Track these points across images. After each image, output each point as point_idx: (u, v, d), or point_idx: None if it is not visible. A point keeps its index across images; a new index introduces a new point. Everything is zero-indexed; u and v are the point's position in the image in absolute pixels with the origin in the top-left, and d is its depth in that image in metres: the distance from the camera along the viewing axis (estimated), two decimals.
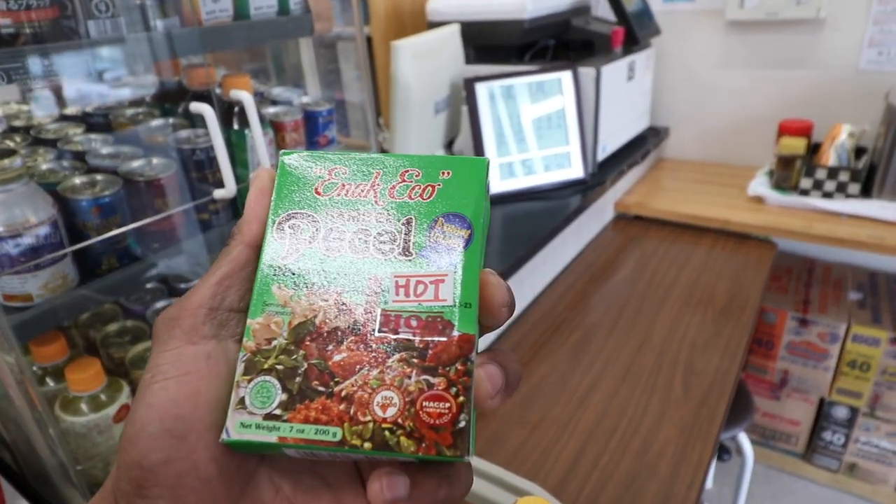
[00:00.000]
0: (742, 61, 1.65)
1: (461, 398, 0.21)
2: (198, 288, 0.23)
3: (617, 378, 0.99)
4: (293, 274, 0.23)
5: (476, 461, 0.75)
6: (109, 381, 0.70)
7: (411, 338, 0.22)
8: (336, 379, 0.22)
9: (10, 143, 0.81)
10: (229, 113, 0.84)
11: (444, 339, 0.22)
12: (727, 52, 1.66)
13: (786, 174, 1.45)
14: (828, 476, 1.70)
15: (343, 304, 0.23)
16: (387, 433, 0.21)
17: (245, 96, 0.81)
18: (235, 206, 0.85)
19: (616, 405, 0.93)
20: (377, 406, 0.21)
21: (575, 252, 1.42)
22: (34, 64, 0.59)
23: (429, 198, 0.24)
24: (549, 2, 1.36)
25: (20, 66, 0.58)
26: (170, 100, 0.91)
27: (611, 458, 0.83)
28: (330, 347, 0.22)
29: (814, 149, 1.49)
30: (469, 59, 1.38)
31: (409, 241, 0.23)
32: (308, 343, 0.22)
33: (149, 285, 0.96)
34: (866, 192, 1.38)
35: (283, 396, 0.22)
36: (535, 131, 1.27)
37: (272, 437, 0.21)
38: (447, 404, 0.21)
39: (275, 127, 0.91)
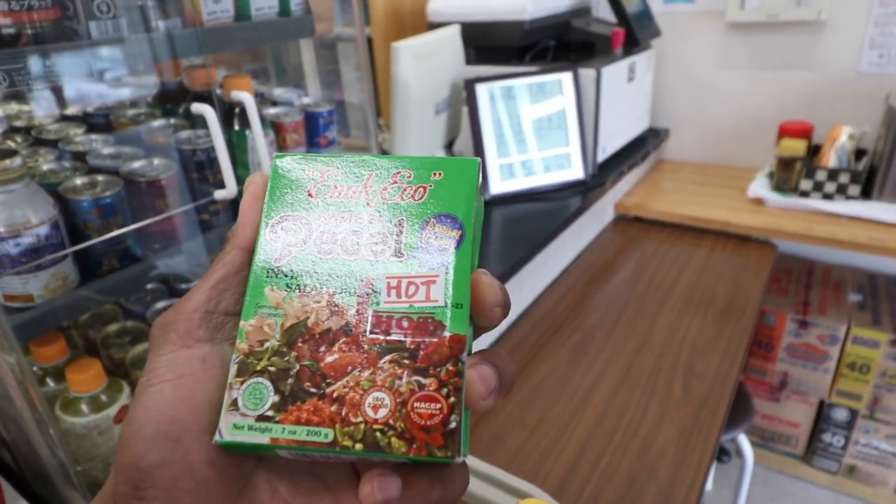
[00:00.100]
0: (742, 63, 1.65)
1: (452, 399, 0.21)
2: (193, 292, 0.23)
3: (617, 379, 0.99)
4: (286, 276, 0.23)
5: (476, 462, 0.75)
6: (110, 381, 0.70)
7: (403, 339, 0.22)
8: (328, 380, 0.22)
9: (11, 144, 0.81)
10: (230, 114, 0.84)
11: (435, 339, 0.22)
12: (727, 53, 1.66)
13: (786, 176, 1.45)
14: (827, 478, 1.70)
15: (335, 305, 0.23)
16: (378, 434, 0.21)
17: (246, 97, 0.81)
18: (236, 207, 0.85)
19: (616, 406, 0.93)
20: (368, 407, 0.21)
21: (575, 253, 1.42)
22: (35, 64, 0.59)
23: (420, 199, 0.24)
24: (549, 3, 1.36)
25: (21, 66, 0.58)
26: (171, 100, 0.91)
27: (611, 460, 0.83)
28: (322, 349, 0.22)
29: (814, 150, 1.49)
30: (469, 60, 1.38)
31: (401, 242, 0.23)
32: (300, 345, 0.22)
33: (149, 286, 0.96)
34: (866, 194, 1.38)
35: (276, 398, 0.22)
36: (535, 132, 1.27)
37: (264, 439, 0.21)
38: (438, 405, 0.21)
39: (275, 128, 0.92)
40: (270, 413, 0.21)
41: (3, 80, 0.56)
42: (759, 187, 1.48)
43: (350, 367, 0.22)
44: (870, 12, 1.45)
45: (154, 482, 0.20)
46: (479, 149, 1.22)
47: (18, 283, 0.62)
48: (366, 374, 0.22)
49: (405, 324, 0.22)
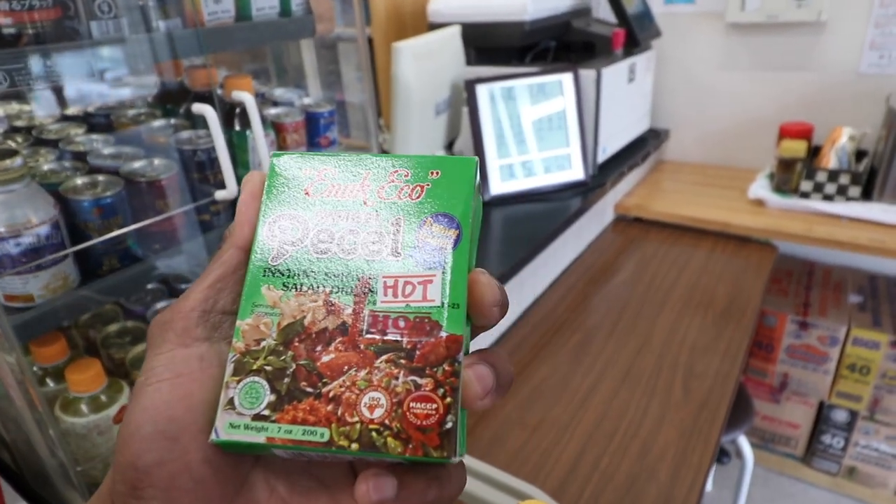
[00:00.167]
0: (743, 64, 1.65)
1: (448, 399, 0.21)
2: (190, 291, 0.23)
3: (617, 380, 0.99)
4: (282, 275, 0.23)
5: (476, 463, 0.75)
6: (110, 381, 0.70)
7: (399, 339, 0.22)
8: (324, 380, 0.22)
9: (11, 144, 0.81)
10: (231, 114, 0.84)
11: (431, 339, 0.22)
12: (728, 54, 1.66)
13: (786, 177, 1.45)
14: (827, 479, 1.70)
15: (332, 304, 0.23)
16: (374, 434, 0.21)
17: (247, 97, 0.81)
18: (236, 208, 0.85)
19: (616, 407, 0.93)
20: (364, 407, 0.21)
21: (575, 254, 1.42)
22: (36, 64, 0.59)
23: (417, 198, 0.24)
24: (549, 3, 1.36)
25: (22, 66, 0.58)
26: (171, 100, 0.91)
27: (611, 461, 0.83)
28: (318, 348, 0.22)
29: (814, 152, 1.49)
30: (470, 61, 1.38)
31: (398, 241, 0.23)
32: (297, 344, 0.22)
33: (150, 286, 0.96)
34: (867, 196, 1.38)
35: (272, 397, 0.22)
36: (535, 133, 1.27)
37: (260, 438, 0.21)
38: (434, 405, 0.21)
39: (276, 128, 0.92)
40: (267, 412, 0.22)
41: (4, 80, 0.56)
42: (760, 188, 1.48)
43: (346, 367, 0.22)
44: (870, 13, 1.45)
45: (151, 481, 0.20)
46: (479, 149, 1.22)
47: (19, 282, 0.62)
48: (362, 373, 0.22)
49: (402, 323, 0.22)
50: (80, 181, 0.71)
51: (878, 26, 1.45)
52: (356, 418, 0.21)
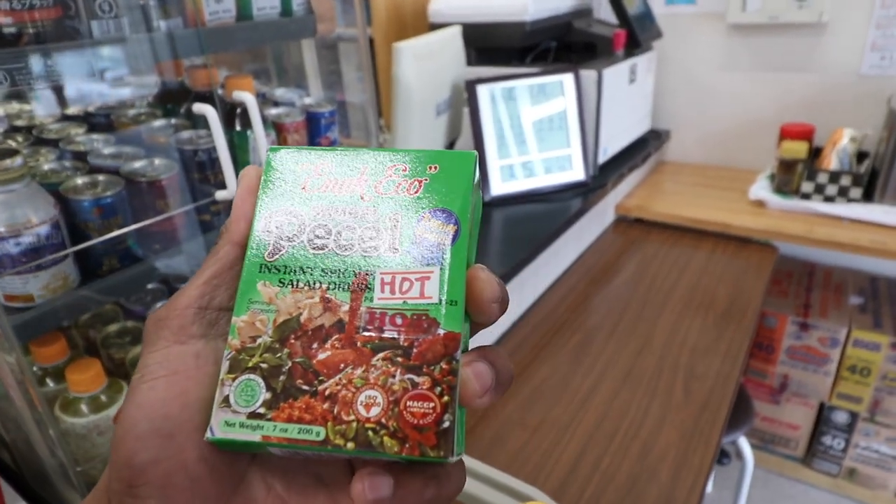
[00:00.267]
0: (744, 65, 1.65)
1: (445, 398, 0.21)
2: (186, 288, 0.23)
3: (617, 381, 0.99)
4: (278, 271, 0.23)
5: (476, 464, 0.75)
6: (110, 381, 0.70)
7: (396, 336, 0.22)
8: (320, 377, 0.21)
9: (11, 143, 0.81)
10: (231, 114, 0.84)
11: (429, 337, 0.21)
12: (729, 55, 1.66)
13: (787, 178, 1.45)
14: (827, 481, 1.69)
15: (328, 301, 0.22)
16: (370, 433, 0.21)
17: (248, 97, 0.80)
18: None
19: (617, 408, 0.93)
20: (361, 405, 0.21)
21: (575, 254, 1.42)
22: (37, 64, 0.59)
23: (415, 193, 0.24)
24: (550, 4, 1.36)
25: (23, 66, 0.58)
26: (172, 100, 0.91)
27: (611, 462, 0.83)
28: (314, 345, 0.22)
29: (815, 153, 1.49)
30: (470, 61, 1.38)
31: (396, 237, 0.23)
32: (293, 341, 0.22)
33: (150, 286, 0.96)
34: (868, 197, 1.38)
35: (268, 395, 0.21)
36: (536, 133, 1.27)
37: (256, 436, 0.21)
38: (431, 404, 0.21)
39: (277, 128, 0.91)
40: (262, 410, 0.21)
41: (5, 80, 0.56)
42: (761, 189, 1.48)
43: (343, 365, 0.22)
44: (871, 14, 1.45)
45: (147, 480, 0.20)
46: (479, 150, 1.22)
47: (19, 282, 0.62)
48: (358, 371, 0.21)
49: (399, 321, 0.22)
50: (80, 181, 0.71)
51: (880, 27, 1.45)
52: (352, 417, 0.21)
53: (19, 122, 0.87)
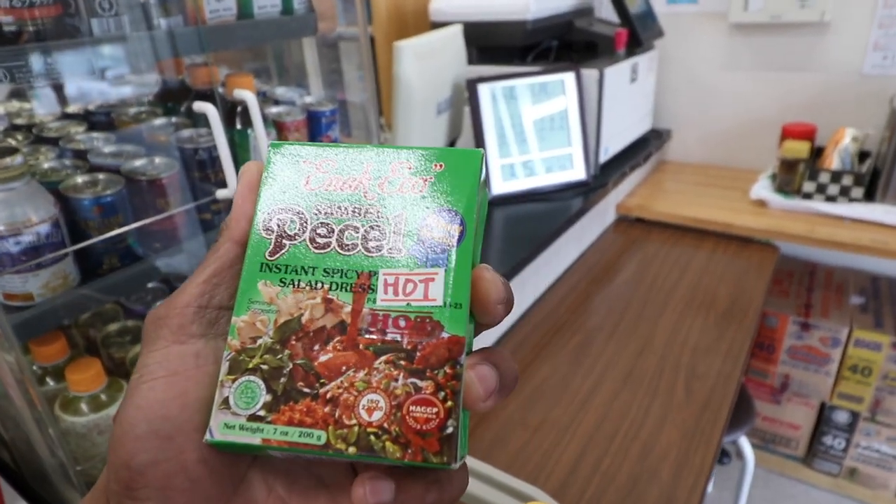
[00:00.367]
0: (745, 64, 1.64)
1: (449, 403, 0.20)
2: (186, 286, 0.23)
3: (618, 381, 0.99)
4: (279, 270, 0.22)
5: (477, 464, 0.74)
6: (110, 381, 0.70)
7: (399, 339, 0.21)
8: (321, 380, 0.21)
9: (11, 142, 0.81)
10: (232, 112, 0.84)
11: (432, 340, 0.21)
12: (730, 54, 1.65)
13: (789, 178, 1.45)
14: (828, 480, 1.69)
15: (330, 302, 0.22)
16: (372, 438, 0.20)
17: (248, 96, 0.80)
18: None
19: (617, 408, 0.93)
20: (363, 409, 0.21)
21: (576, 254, 1.41)
22: (37, 62, 0.59)
23: (420, 191, 0.23)
24: (552, 3, 1.36)
25: (23, 64, 0.57)
26: (172, 99, 0.90)
27: (612, 462, 0.83)
28: (316, 347, 0.21)
29: (817, 152, 1.49)
30: (471, 60, 1.37)
31: (399, 237, 0.22)
32: (294, 342, 0.22)
33: (150, 285, 0.95)
34: (870, 197, 1.38)
35: (268, 397, 0.21)
36: (537, 133, 1.27)
37: (256, 439, 0.21)
38: (435, 409, 0.20)
39: (278, 127, 0.91)
40: (262, 413, 0.21)
41: (5, 78, 0.56)
42: (762, 189, 1.48)
43: (344, 367, 0.21)
44: (874, 14, 1.44)
45: (146, 481, 0.20)
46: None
47: (18, 281, 0.62)
48: (360, 374, 0.21)
49: (402, 323, 0.21)
50: (80, 179, 0.70)
51: (882, 27, 1.44)
52: (354, 421, 0.20)
53: (19, 121, 0.87)
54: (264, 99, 1.01)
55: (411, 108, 1.14)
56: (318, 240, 0.23)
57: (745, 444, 1.36)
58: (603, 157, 1.37)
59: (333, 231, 0.23)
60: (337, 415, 0.21)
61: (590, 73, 1.27)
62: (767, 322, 1.61)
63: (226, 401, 0.21)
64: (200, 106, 0.75)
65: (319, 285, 0.22)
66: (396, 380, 0.21)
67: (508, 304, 0.22)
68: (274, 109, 0.95)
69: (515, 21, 1.30)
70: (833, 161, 1.39)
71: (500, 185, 1.24)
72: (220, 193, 0.79)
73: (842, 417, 1.61)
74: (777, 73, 1.61)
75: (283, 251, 0.23)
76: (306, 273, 0.22)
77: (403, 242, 0.22)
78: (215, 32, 0.77)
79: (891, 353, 1.48)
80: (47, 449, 0.64)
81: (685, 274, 1.32)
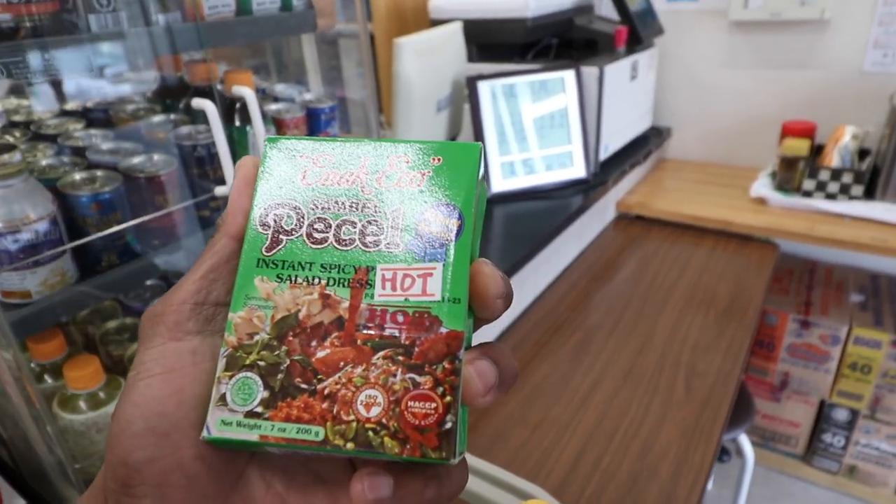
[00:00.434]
0: (745, 62, 1.64)
1: (448, 398, 0.20)
2: (182, 283, 0.22)
3: (618, 379, 0.99)
4: (276, 266, 0.22)
5: (477, 462, 0.74)
6: (108, 378, 0.70)
7: (397, 334, 0.21)
8: (319, 376, 0.21)
9: (9, 139, 0.81)
10: (231, 109, 0.84)
11: (431, 335, 0.21)
12: (731, 52, 1.65)
13: (788, 175, 1.44)
14: (828, 478, 1.69)
15: (328, 297, 0.22)
16: (370, 433, 0.20)
17: (247, 92, 0.80)
18: None
19: (617, 406, 0.93)
20: (361, 405, 0.20)
21: (576, 252, 1.41)
22: (34, 58, 0.58)
23: (418, 186, 0.23)
24: (552, 0, 1.35)
25: (20, 60, 0.57)
26: (171, 95, 0.90)
27: (612, 460, 0.83)
28: (313, 343, 0.21)
29: (817, 150, 1.48)
30: (471, 58, 1.37)
31: (397, 231, 0.22)
32: (291, 338, 0.21)
33: (149, 282, 0.95)
34: (870, 195, 1.38)
35: (265, 394, 0.21)
36: (536, 130, 1.27)
37: (253, 436, 0.21)
38: (433, 404, 0.20)
39: (277, 124, 0.91)
40: (260, 409, 0.21)
41: (2, 74, 0.56)
42: (762, 187, 1.48)
43: (342, 363, 0.21)
44: (874, 11, 1.44)
45: (143, 479, 0.20)
46: None
47: (16, 278, 0.62)
48: (358, 370, 0.21)
49: (400, 318, 0.21)
50: (78, 176, 0.70)
51: (882, 24, 1.44)
52: (352, 417, 0.20)
53: (17, 118, 0.87)
54: (263, 96, 1.01)
55: (411, 106, 1.13)
56: (315, 235, 0.23)
57: (744, 441, 1.36)
58: (603, 155, 1.37)
59: (331, 226, 0.23)
60: (335, 411, 0.21)
61: (590, 71, 1.27)
62: (767, 320, 1.61)
63: (223, 397, 0.21)
64: (199, 103, 0.75)
65: (317, 281, 0.22)
66: (395, 375, 0.21)
67: (507, 298, 0.22)
68: (273, 106, 0.95)
69: (515, 18, 1.30)
70: (833, 159, 1.39)
71: (500, 183, 1.24)
72: (219, 190, 0.79)
73: (841, 415, 1.61)
74: (777, 71, 1.61)
75: (279, 246, 0.23)
76: (303, 268, 0.22)
77: (401, 237, 0.22)
78: (214, 29, 0.77)
79: (890, 350, 1.48)
80: (45, 447, 0.63)
81: (685, 272, 1.31)
